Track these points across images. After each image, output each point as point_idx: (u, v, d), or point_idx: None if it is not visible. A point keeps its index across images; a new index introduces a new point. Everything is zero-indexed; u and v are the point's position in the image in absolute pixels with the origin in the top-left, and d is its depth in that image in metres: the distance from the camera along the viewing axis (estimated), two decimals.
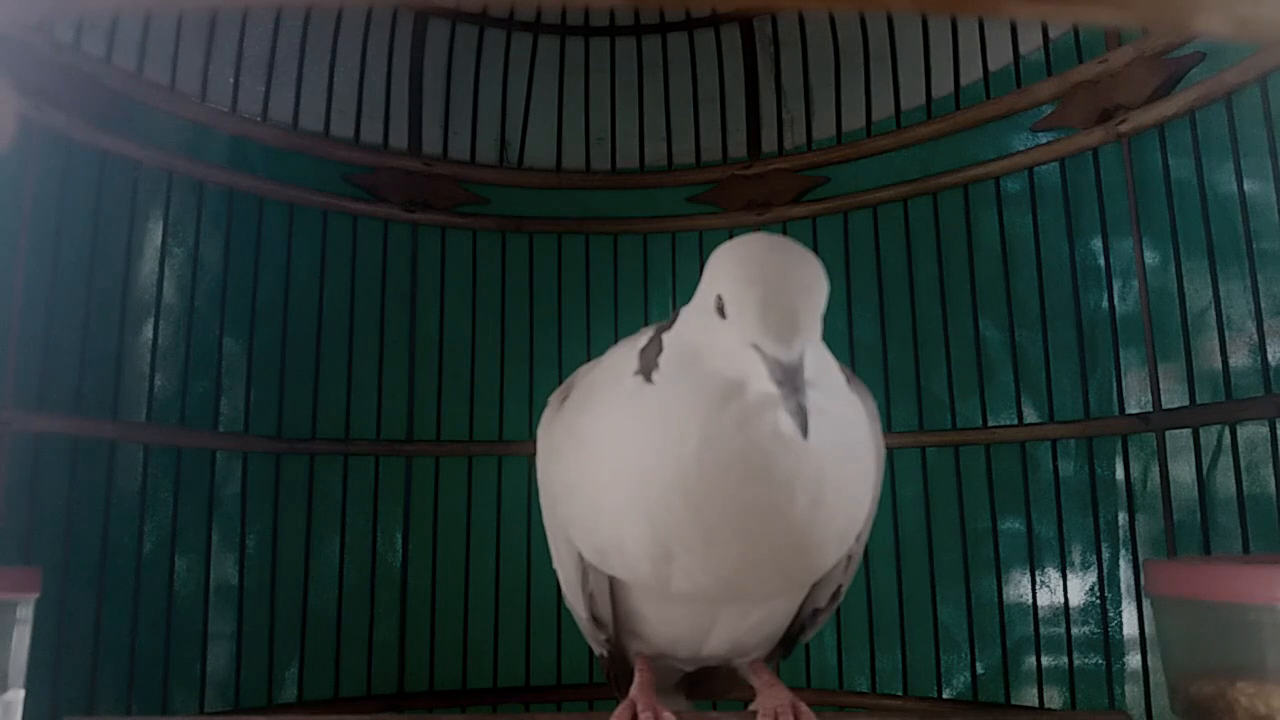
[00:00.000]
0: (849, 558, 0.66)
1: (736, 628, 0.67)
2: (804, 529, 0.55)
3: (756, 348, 0.51)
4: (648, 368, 0.57)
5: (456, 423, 1.25)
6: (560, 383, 0.73)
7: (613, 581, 0.66)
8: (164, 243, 1.10)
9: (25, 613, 0.72)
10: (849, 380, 0.60)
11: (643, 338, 0.62)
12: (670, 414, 0.55)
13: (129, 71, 1.05)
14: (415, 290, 1.27)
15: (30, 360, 0.94)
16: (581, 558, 0.65)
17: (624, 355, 0.62)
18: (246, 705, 1.09)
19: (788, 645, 0.75)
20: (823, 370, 0.55)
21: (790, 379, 0.50)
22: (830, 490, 0.55)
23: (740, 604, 0.64)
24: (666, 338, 0.58)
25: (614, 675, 0.78)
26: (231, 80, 1.16)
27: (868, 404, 0.63)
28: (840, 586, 0.69)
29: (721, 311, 0.54)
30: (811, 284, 0.52)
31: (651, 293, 1.30)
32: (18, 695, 0.71)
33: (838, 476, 0.56)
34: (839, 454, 0.56)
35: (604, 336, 1.23)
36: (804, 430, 0.49)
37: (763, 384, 0.51)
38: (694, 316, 0.57)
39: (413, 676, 1.18)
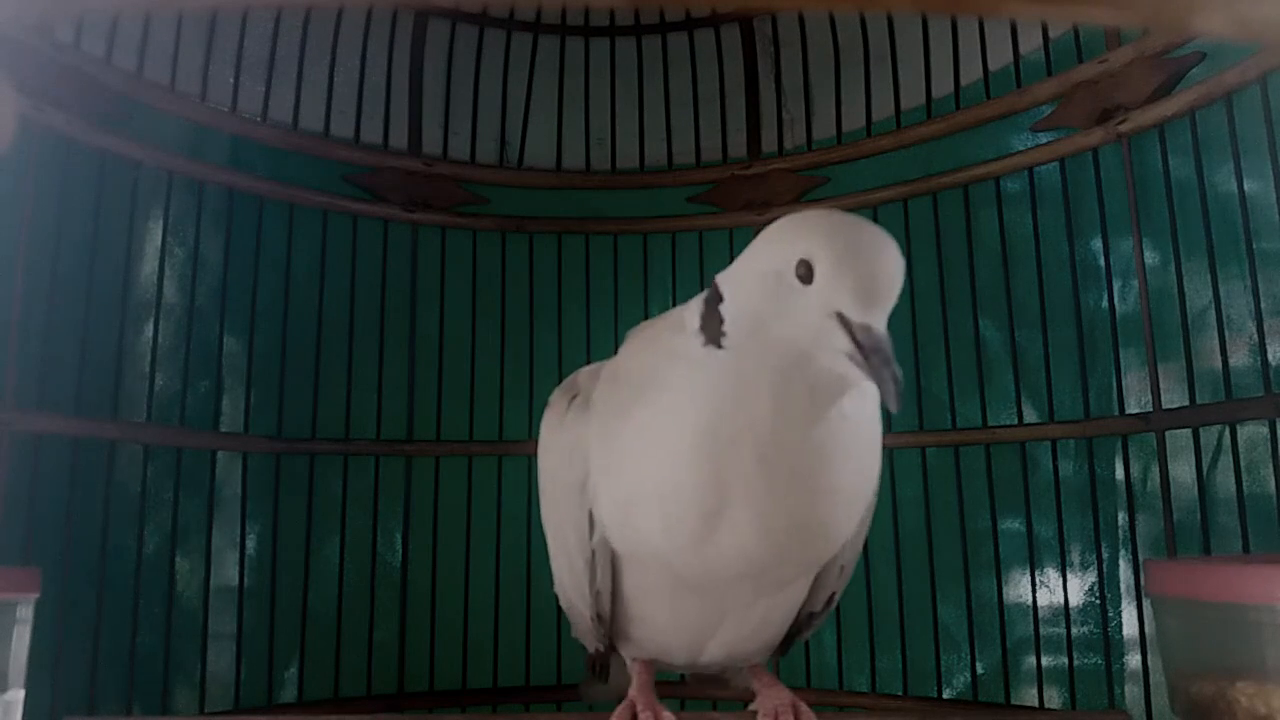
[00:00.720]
0: (841, 567, 0.68)
1: (738, 629, 0.67)
2: (850, 492, 0.58)
3: (840, 316, 0.51)
4: (715, 337, 0.57)
5: (456, 423, 1.25)
6: (560, 383, 0.73)
7: (615, 579, 0.66)
8: (164, 243, 1.10)
9: (25, 613, 0.72)
10: None
11: (663, 326, 0.62)
12: (745, 372, 0.55)
13: (129, 71, 1.05)
14: (415, 290, 1.27)
15: (30, 360, 0.94)
16: (594, 554, 0.65)
17: (662, 338, 0.62)
18: (246, 705, 1.09)
19: (783, 647, 0.75)
20: None
21: (880, 346, 0.50)
22: (869, 462, 0.59)
23: (756, 584, 0.63)
24: (723, 309, 0.57)
25: (597, 666, 0.78)
26: (231, 80, 1.16)
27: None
28: (834, 593, 0.70)
29: (804, 278, 0.53)
30: (900, 265, 0.53)
31: (651, 293, 1.30)
32: (18, 695, 0.71)
33: (870, 453, 0.60)
34: (869, 433, 0.59)
35: (604, 336, 1.24)
36: (897, 400, 0.49)
37: (831, 357, 0.52)
38: (753, 284, 0.56)
39: (413, 676, 1.18)
